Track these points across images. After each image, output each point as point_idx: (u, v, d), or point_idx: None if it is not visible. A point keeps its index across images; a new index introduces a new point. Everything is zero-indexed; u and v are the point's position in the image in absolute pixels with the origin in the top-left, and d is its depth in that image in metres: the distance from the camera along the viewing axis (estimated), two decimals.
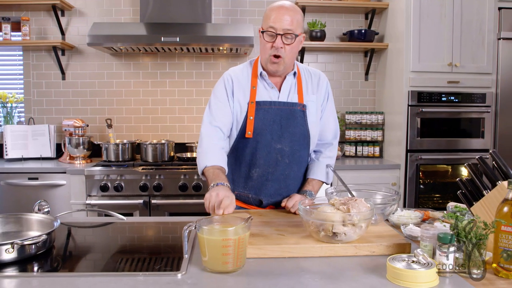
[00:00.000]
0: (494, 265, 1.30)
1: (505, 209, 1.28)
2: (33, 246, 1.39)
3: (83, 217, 3.24)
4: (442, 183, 3.88)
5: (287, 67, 2.00)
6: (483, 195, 1.51)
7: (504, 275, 1.28)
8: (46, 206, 1.79)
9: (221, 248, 1.26)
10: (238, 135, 2.02)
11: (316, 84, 2.12)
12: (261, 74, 2.02)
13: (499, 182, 1.46)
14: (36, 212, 1.71)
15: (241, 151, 2.03)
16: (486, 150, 3.79)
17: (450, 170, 3.88)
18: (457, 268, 1.29)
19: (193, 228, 1.31)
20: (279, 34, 1.88)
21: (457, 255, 1.29)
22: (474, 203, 1.53)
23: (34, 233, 1.55)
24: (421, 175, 3.78)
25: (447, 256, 1.26)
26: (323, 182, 2.14)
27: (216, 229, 1.33)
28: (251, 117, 1.98)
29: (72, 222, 1.92)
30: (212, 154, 1.93)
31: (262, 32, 1.93)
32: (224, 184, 1.76)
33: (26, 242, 1.36)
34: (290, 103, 2.02)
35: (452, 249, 1.26)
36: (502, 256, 1.28)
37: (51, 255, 1.49)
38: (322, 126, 2.14)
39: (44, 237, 1.42)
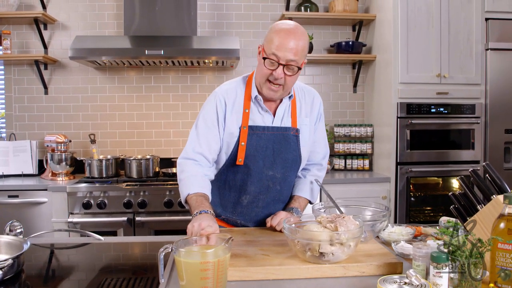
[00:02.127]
0: (491, 285, 1.22)
1: (502, 225, 1.21)
2: None
3: (62, 237, 3.12)
4: (433, 196, 3.82)
5: (285, 94, 1.88)
6: (477, 210, 1.44)
7: None
8: (19, 227, 1.70)
9: (200, 272, 1.16)
10: (228, 161, 1.90)
11: (310, 105, 2.01)
12: (255, 97, 1.87)
13: (494, 196, 1.39)
14: (8, 233, 1.61)
15: (231, 176, 1.92)
16: (477, 162, 3.74)
17: (441, 182, 3.82)
18: None
19: (170, 250, 1.22)
20: (281, 64, 1.73)
21: (452, 275, 1.21)
22: (468, 218, 1.46)
23: (1, 257, 1.45)
24: (411, 188, 3.72)
25: (441, 277, 1.18)
26: (308, 201, 2.05)
27: (194, 252, 1.24)
28: (243, 143, 1.85)
29: (47, 244, 1.82)
30: (195, 181, 1.79)
31: (264, 58, 1.75)
32: (208, 212, 1.63)
33: None
34: (284, 127, 1.91)
35: (446, 269, 1.18)
36: (499, 275, 1.20)
37: (19, 280, 1.39)
38: (313, 147, 2.05)
39: (10, 261, 1.32)
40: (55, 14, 4.02)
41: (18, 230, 1.68)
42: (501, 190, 1.42)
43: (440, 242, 1.35)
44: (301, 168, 2.04)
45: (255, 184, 1.90)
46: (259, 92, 1.88)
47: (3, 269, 1.30)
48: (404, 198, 3.69)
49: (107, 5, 4.08)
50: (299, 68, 1.77)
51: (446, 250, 1.22)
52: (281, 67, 1.74)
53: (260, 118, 1.89)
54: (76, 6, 4.06)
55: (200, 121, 1.90)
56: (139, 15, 3.75)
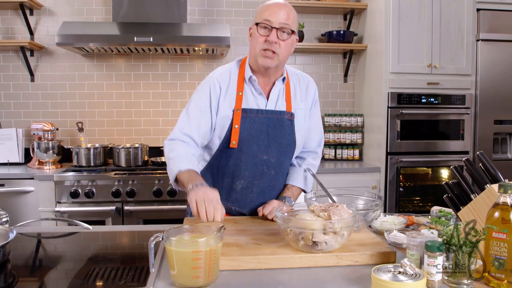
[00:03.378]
0: (485, 274, 1.22)
1: (496, 214, 1.20)
2: None
3: (49, 226, 3.08)
4: (422, 186, 3.83)
5: (279, 67, 1.86)
6: (470, 199, 1.43)
7: (496, 284, 1.19)
8: (4, 216, 1.66)
9: (191, 261, 1.14)
10: (222, 144, 1.87)
11: (305, 90, 2.00)
12: (250, 78, 1.87)
13: (488, 185, 1.38)
14: None
15: (224, 161, 1.89)
16: (466, 152, 3.75)
17: (431, 172, 3.83)
18: (446, 278, 1.20)
19: (160, 239, 1.19)
20: (275, 28, 1.74)
21: (446, 264, 1.20)
22: (461, 207, 1.45)
23: None
24: (401, 178, 3.72)
25: (436, 266, 1.17)
26: (301, 190, 2.03)
27: (186, 240, 1.21)
28: (236, 126, 1.83)
29: (34, 233, 1.78)
30: (185, 159, 1.75)
31: (256, 24, 1.77)
32: (204, 185, 1.60)
33: None
34: (278, 111, 1.89)
35: (441, 258, 1.17)
36: (493, 264, 1.19)
37: (5, 269, 1.35)
38: (308, 133, 2.03)
39: None
40: None
41: (4, 219, 1.65)
42: (494, 180, 1.41)
43: (435, 232, 1.35)
44: (295, 154, 2.01)
45: (249, 169, 1.88)
46: (253, 73, 1.87)
47: None
48: (394, 188, 3.69)
49: None
50: (293, 32, 1.79)
51: (440, 240, 1.21)
52: (274, 30, 1.75)
53: (254, 100, 1.88)
54: None
55: (192, 105, 1.87)
56: (127, 1, 3.67)
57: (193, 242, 1.20)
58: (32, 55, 3.99)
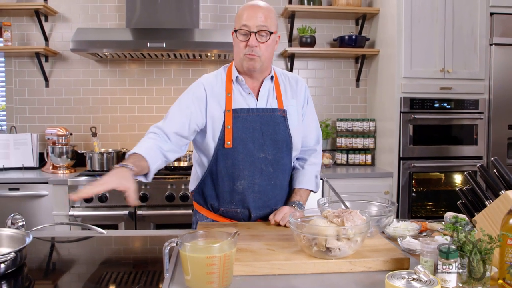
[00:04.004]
0: (500, 281, 1.21)
1: (511, 221, 1.19)
2: (1, 264, 1.28)
3: (63, 230, 3.12)
4: (435, 192, 3.81)
5: (264, 67, 1.90)
6: (485, 206, 1.42)
7: None
8: (20, 220, 1.68)
9: (205, 267, 1.15)
10: (217, 146, 1.88)
11: (295, 87, 2.03)
12: (237, 78, 1.90)
13: (502, 191, 1.37)
14: (9, 227, 1.59)
15: (222, 163, 1.89)
16: (480, 158, 3.72)
17: (443, 178, 3.81)
18: (460, 285, 1.20)
19: (175, 244, 1.20)
20: (253, 32, 1.79)
21: (460, 271, 1.20)
22: (475, 214, 1.44)
23: (4, 250, 1.43)
24: (414, 183, 3.70)
25: (450, 273, 1.17)
26: (310, 191, 2.04)
27: (200, 246, 1.22)
28: (229, 126, 1.85)
29: (48, 237, 1.80)
30: (144, 145, 1.74)
31: (235, 31, 1.83)
32: (127, 166, 1.56)
33: None
34: (270, 109, 1.92)
35: (455, 264, 1.17)
36: (508, 271, 1.19)
37: (21, 273, 1.37)
38: (304, 132, 2.05)
39: (12, 254, 1.30)
40: (56, 6, 3.99)
41: (20, 223, 1.66)
42: (509, 186, 1.40)
43: (449, 238, 1.34)
44: (295, 153, 2.01)
45: (248, 168, 1.89)
46: (240, 74, 1.91)
47: (5, 263, 1.29)
48: (406, 193, 3.67)
49: None
50: (271, 33, 1.83)
51: (454, 246, 1.20)
52: (253, 35, 1.79)
53: (243, 100, 1.91)
54: None
55: (176, 104, 1.93)
56: (140, 7, 3.72)
57: (207, 247, 1.20)
58: (46, 61, 4.04)
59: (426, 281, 1.12)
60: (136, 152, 1.68)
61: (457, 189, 1.54)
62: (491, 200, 1.41)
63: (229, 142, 1.85)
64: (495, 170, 1.47)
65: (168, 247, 1.20)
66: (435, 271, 1.23)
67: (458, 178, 3.77)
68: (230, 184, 1.91)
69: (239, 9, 1.87)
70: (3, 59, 4.04)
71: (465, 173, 1.52)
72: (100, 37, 3.56)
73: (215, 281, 1.16)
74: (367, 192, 3.51)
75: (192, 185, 2.06)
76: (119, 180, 1.49)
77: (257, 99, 1.93)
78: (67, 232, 2.68)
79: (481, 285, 1.18)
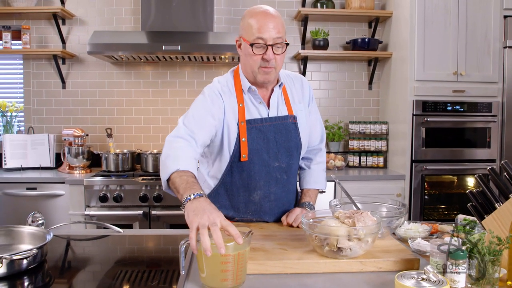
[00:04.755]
0: (509, 282, 1.23)
1: None
2: (24, 260, 1.33)
3: (79, 229, 3.18)
4: (447, 194, 3.81)
5: (276, 77, 1.87)
6: (495, 208, 1.44)
7: None
8: (40, 218, 1.73)
9: (220, 264, 1.19)
10: (232, 158, 1.85)
11: (301, 90, 2.00)
12: (249, 89, 1.84)
13: None
14: (30, 224, 1.65)
15: (237, 176, 1.87)
16: (493, 161, 3.72)
17: (456, 180, 3.81)
18: (469, 285, 1.22)
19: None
20: (269, 45, 1.72)
21: (469, 272, 1.22)
22: (485, 216, 1.46)
23: (25, 247, 1.49)
24: (426, 186, 3.71)
25: (459, 273, 1.19)
26: (319, 191, 2.06)
27: (215, 244, 1.25)
28: (244, 139, 1.81)
29: (67, 235, 1.85)
30: (187, 159, 1.61)
31: (251, 45, 1.73)
32: (204, 195, 1.42)
33: (15, 257, 1.30)
34: (281, 117, 1.89)
35: (464, 265, 1.19)
36: None
37: (42, 269, 1.42)
38: (309, 131, 2.03)
39: (35, 251, 1.35)
40: (73, 9, 4.07)
41: (40, 221, 1.72)
42: None
43: (459, 240, 1.36)
44: (302, 155, 2.02)
45: (264, 178, 1.87)
46: (251, 83, 1.86)
47: (27, 259, 1.34)
48: (418, 196, 3.68)
49: (124, 0, 4.12)
50: (287, 44, 1.78)
51: (464, 247, 1.23)
52: (270, 48, 1.73)
53: (256, 110, 1.86)
54: (93, 2, 4.11)
55: (196, 110, 1.81)
56: (155, 10, 3.78)
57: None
58: (63, 63, 4.13)
59: (435, 281, 1.15)
60: (188, 169, 1.56)
61: (467, 191, 1.56)
62: (501, 203, 1.43)
63: (245, 155, 1.82)
64: (505, 173, 1.49)
65: (184, 245, 1.23)
66: (444, 271, 1.25)
67: (470, 181, 3.77)
68: (245, 195, 1.90)
69: (247, 17, 1.78)
70: (21, 62, 4.13)
71: (476, 176, 1.54)
72: (116, 40, 3.63)
73: (230, 279, 1.20)
74: (379, 194, 3.52)
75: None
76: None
77: (268, 108, 1.89)
78: (85, 230, 2.74)
79: (489, 286, 1.20)
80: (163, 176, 1.59)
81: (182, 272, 1.26)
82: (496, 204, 1.45)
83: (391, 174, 3.79)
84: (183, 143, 1.69)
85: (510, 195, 1.40)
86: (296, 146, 1.93)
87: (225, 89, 1.86)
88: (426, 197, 3.71)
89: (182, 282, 1.26)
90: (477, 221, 1.57)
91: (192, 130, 1.73)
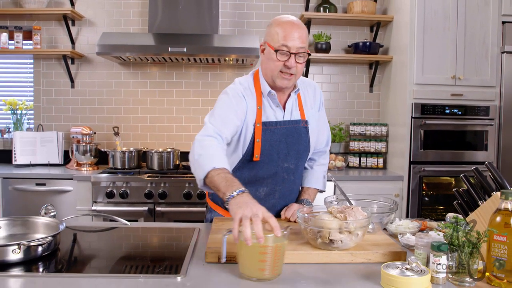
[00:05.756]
0: (487, 274, 1.33)
1: (498, 218, 1.31)
2: (39, 247, 1.44)
3: (88, 221, 3.29)
4: (445, 195, 3.90)
5: (294, 83, 1.96)
6: (478, 206, 1.54)
7: (497, 284, 1.30)
8: (52, 210, 1.84)
9: (258, 255, 1.27)
10: (244, 157, 1.94)
11: (313, 96, 2.11)
12: (269, 93, 1.93)
13: (494, 192, 1.49)
14: (43, 216, 1.76)
15: (246, 171, 1.97)
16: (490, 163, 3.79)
17: (454, 182, 3.89)
18: (450, 276, 1.32)
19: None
20: (293, 53, 1.82)
21: (450, 263, 1.32)
22: (469, 213, 1.56)
23: (40, 236, 1.60)
24: (424, 187, 3.80)
25: (440, 264, 1.29)
26: (318, 190, 2.17)
27: (254, 236, 1.30)
28: (258, 140, 1.91)
29: (77, 226, 1.96)
30: (221, 157, 1.69)
31: (276, 51, 1.82)
32: (246, 191, 1.50)
33: (32, 243, 1.41)
34: (294, 120, 2.00)
35: (445, 257, 1.29)
36: (494, 265, 1.30)
37: (56, 256, 1.53)
38: (317, 134, 2.14)
39: (49, 238, 1.46)
40: (83, 11, 4.19)
41: (52, 213, 1.83)
42: (502, 187, 1.52)
43: (441, 234, 1.46)
44: (309, 157, 2.13)
45: (272, 177, 1.98)
46: (270, 87, 1.94)
47: (42, 246, 1.45)
48: (416, 196, 3.77)
49: (132, 3, 4.24)
50: (309, 54, 1.88)
51: (445, 241, 1.33)
52: (293, 56, 1.82)
53: (272, 113, 1.96)
54: (102, 4, 4.23)
55: (222, 109, 1.88)
56: (162, 13, 3.89)
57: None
58: (73, 63, 4.25)
59: (418, 271, 1.25)
60: (224, 166, 1.63)
61: (454, 190, 1.66)
62: (484, 201, 1.53)
63: (257, 156, 1.91)
64: (489, 173, 1.59)
65: (227, 236, 1.33)
66: (427, 263, 1.35)
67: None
68: (252, 190, 1.96)
69: (274, 24, 1.87)
70: (32, 61, 4.26)
71: (461, 175, 1.64)
72: (123, 42, 3.74)
73: (267, 269, 1.28)
74: (378, 194, 3.58)
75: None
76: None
77: (284, 111, 1.99)
78: (93, 222, 2.85)
79: (469, 277, 1.30)
80: (200, 174, 1.65)
81: (223, 260, 1.36)
82: (479, 202, 1.55)
83: (390, 175, 3.88)
84: (214, 141, 1.76)
85: (492, 193, 1.50)
86: (305, 149, 2.04)
87: (248, 91, 1.95)
88: (425, 198, 3.81)
89: (185, 269, 1.37)
90: (463, 218, 1.67)
91: (219, 129, 1.81)
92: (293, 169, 2.02)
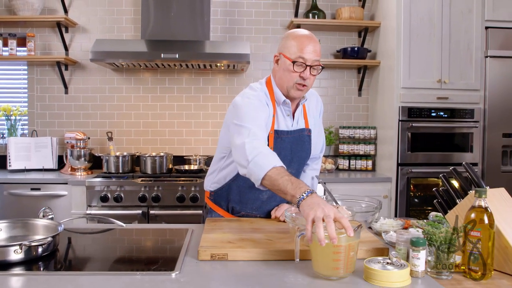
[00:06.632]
0: (463, 267, 1.41)
1: (472, 215, 1.39)
2: (39, 247, 1.50)
3: (84, 224, 3.34)
4: (432, 196, 3.93)
5: (305, 94, 2.05)
6: (456, 204, 1.63)
7: (471, 276, 1.39)
8: (50, 213, 1.92)
9: (332, 254, 1.32)
10: None
11: (315, 106, 2.21)
12: (284, 102, 2.01)
13: (470, 191, 1.57)
14: (41, 218, 1.82)
15: None
16: (475, 164, 3.91)
17: (440, 183, 3.98)
18: (429, 270, 1.40)
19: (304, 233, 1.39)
20: (308, 66, 1.90)
21: (428, 258, 1.40)
22: (448, 210, 1.65)
23: (39, 237, 1.66)
24: (412, 188, 3.90)
25: (419, 259, 1.37)
26: None
27: (328, 236, 1.33)
28: (270, 148, 1.94)
29: (74, 228, 2.03)
30: (274, 156, 1.73)
31: (293, 62, 1.90)
32: (314, 192, 1.54)
33: (33, 244, 1.48)
34: (300, 129, 2.09)
35: (423, 252, 1.38)
36: (469, 258, 1.39)
37: (55, 256, 1.60)
38: (316, 142, 2.24)
39: (49, 239, 1.53)
40: (76, 18, 4.26)
41: (50, 216, 1.90)
42: (478, 186, 1.61)
43: (421, 230, 1.55)
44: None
45: None
46: (285, 97, 2.01)
47: (43, 246, 1.51)
48: (404, 197, 3.87)
49: (125, 10, 4.31)
50: (322, 67, 1.98)
51: (424, 236, 1.41)
52: (308, 68, 1.91)
53: (284, 122, 2.04)
54: (95, 11, 4.30)
55: (254, 116, 1.89)
56: (155, 19, 3.97)
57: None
58: (66, 69, 4.31)
59: (398, 265, 1.34)
60: (281, 165, 1.69)
61: (433, 189, 1.75)
62: (461, 199, 1.62)
63: None
64: (467, 173, 1.68)
65: (299, 236, 1.39)
66: (408, 257, 1.44)
67: (456, 184, 3.94)
68: (255, 193, 2.09)
69: (290, 37, 1.94)
70: (26, 67, 4.31)
71: (440, 175, 1.73)
72: (117, 48, 3.81)
73: (341, 267, 1.34)
74: (367, 196, 3.67)
75: (211, 186, 2.19)
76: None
77: (293, 120, 2.08)
78: (90, 225, 2.92)
79: (446, 270, 1.38)
80: (260, 173, 1.66)
81: (297, 260, 1.41)
82: (457, 200, 1.64)
83: (379, 176, 3.98)
84: (262, 142, 1.81)
85: (469, 192, 1.59)
86: (306, 156, 2.15)
87: (267, 100, 2.01)
88: (414, 199, 3.91)
89: (179, 266, 1.44)
90: (443, 216, 1.76)
91: (255, 132, 1.82)
92: (294, 174, 2.08)
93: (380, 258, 1.40)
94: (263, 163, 1.67)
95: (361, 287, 1.31)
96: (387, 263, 1.36)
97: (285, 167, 1.70)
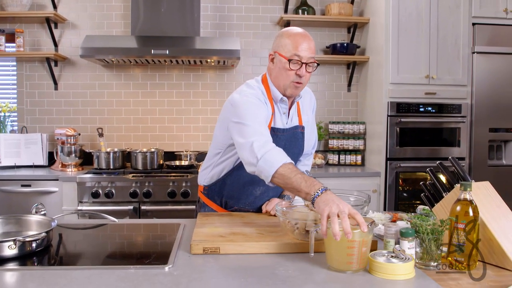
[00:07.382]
0: (449, 258, 1.45)
1: (458, 208, 1.43)
2: (33, 243, 1.52)
3: (75, 219, 3.35)
4: (420, 190, 3.99)
5: (301, 91, 2.06)
6: (442, 197, 1.67)
7: (458, 267, 1.43)
8: (42, 209, 1.93)
9: (346, 249, 1.35)
10: None
11: (309, 104, 2.23)
12: (281, 99, 2.02)
13: (456, 185, 1.61)
14: (34, 214, 1.84)
15: (245, 172, 1.96)
16: (462, 159, 3.97)
17: (428, 177, 4.04)
18: (417, 261, 1.44)
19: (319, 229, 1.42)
20: (304, 63, 1.92)
21: (417, 249, 1.44)
22: (435, 203, 1.69)
23: (33, 233, 1.67)
24: (400, 182, 3.95)
25: (409, 249, 1.41)
26: None
27: (342, 231, 1.36)
28: None
29: (66, 224, 2.05)
30: (283, 153, 1.77)
31: (289, 60, 1.92)
32: (328, 189, 1.58)
33: (27, 239, 1.49)
34: (294, 126, 2.11)
35: (411, 243, 1.41)
36: (455, 250, 1.43)
37: (49, 252, 1.61)
38: (309, 138, 2.26)
39: (43, 234, 1.55)
40: (66, 14, 4.24)
41: (42, 212, 1.91)
42: (464, 180, 1.65)
43: (409, 223, 1.59)
44: None
45: None
46: (282, 94, 2.03)
47: (37, 241, 1.53)
48: (393, 191, 3.92)
49: (114, 5, 4.30)
50: (318, 64, 2.00)
51: (412, 228, 1.45)
52: (304, 65, 1.92)
53: (280, 119, 2.06)
54: (85, 6, 4.28)
55: (257, 117, 1.90)
56: (145, 15, 3.97)
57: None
58: (56, 65, 4.29)
59: (403, 258, 1.37)
60: (290, 161, 1.73)
61: (421, 183, 1.79)
62: (447, 192, 1.66)
63: None
64: (453, 167, 1.72)
65: (314, 232, 1.43)
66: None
67: (442, 178, 4.00)
68: (249, 188, 2.12)
69: (285, 35, 1.96)
70: (15, 63, 4.29)
71: (427, 169, 1.77)
72: (107, 44, 3.81)
73: (354, 262, 1.37)
74: (357, 190, 3.71)
75: (205, 181, 2.21)
76: None
77: (288, 118, 2.10)
78: (82, 220, 2.92)
79: (433, 261, 1.42)
80: (270, 171, 1.70)
81: (312, 255, 1.45)
82: (444, 194, 1.68)
83: (368, 171, 4.03)
84: (268, 140, 1.83)
85: (455, 185, 1.63)
86: (299, 152, 2.18)
87: (265, 98, 2.02)
88: (403, 193, 3.96)
89: (172, 259, 1.47)
90: (430, 209, 1.80)
91: (260, 130, 1.85)
92: None
93: (384, 251, 1.43)
94: (273, 160, 1.71)
95: (365, 279, 1.34)
96: (392, 256, 1.39)
97: (293, 162, 1.74)
